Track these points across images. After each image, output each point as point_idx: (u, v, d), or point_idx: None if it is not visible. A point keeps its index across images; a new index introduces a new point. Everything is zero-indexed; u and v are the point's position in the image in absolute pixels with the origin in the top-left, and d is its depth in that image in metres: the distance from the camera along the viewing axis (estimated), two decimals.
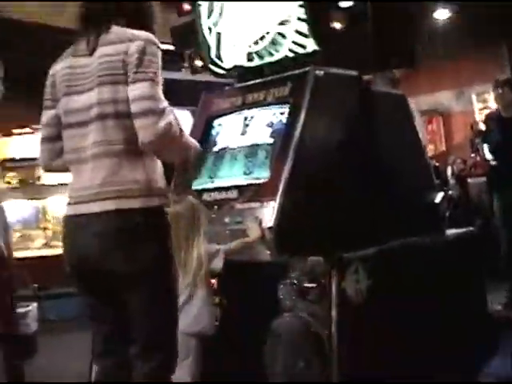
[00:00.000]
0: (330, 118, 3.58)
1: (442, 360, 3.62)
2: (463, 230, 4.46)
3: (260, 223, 3.25)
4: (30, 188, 8.19)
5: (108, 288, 2.50)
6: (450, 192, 7.26)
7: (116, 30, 2.50)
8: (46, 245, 8.01)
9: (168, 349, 2.52)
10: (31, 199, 8.23)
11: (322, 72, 3.55)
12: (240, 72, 4.02)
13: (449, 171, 8.73)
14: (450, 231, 4.36)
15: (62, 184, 8.46)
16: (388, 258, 3.44)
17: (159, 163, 2.55)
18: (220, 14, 3.98)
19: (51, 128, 2.63)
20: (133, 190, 2.41)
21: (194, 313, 3.17)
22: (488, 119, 6.20)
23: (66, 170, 2.64)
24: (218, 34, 4.01)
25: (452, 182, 8.32)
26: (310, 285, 3.18)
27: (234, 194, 3.51)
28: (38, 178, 8.08)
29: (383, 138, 3.81)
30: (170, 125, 2.37)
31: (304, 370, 3.16)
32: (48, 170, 2.78)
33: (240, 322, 3.43)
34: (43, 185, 8.03)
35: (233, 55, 3.98)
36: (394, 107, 4.08)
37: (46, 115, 2.64)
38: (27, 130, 8.08)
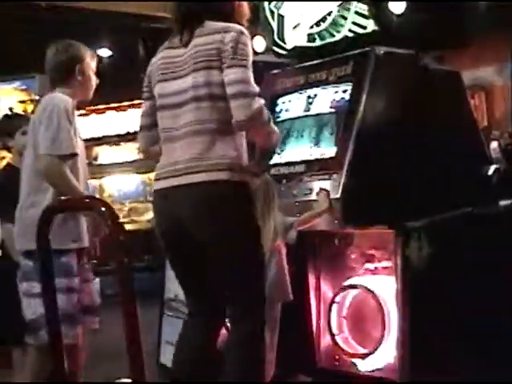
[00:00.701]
0: (391, 95, 3.74)
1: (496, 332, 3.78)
2: None
3: (328, 195, 3.45)
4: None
5: (198, 255, 2.74)
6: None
7: (209, 23, 2.74)
8: None
9: (258, 312, 2.73)
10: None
11: (382, 51, 3.73)
12: (301, 52, 4.20)
13: (494, 145, 8.78)
14: (503, 202, 4.53)
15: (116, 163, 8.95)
16: (448, 227, 3.62)
17: (245, 143, 2.78)
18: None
19: (149, 117, 2.90)
20: (223, 164, 2.64)
21: (270, 281, 3.36)
22: None
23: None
24: (281, 16, 4.20)
25: (498, 155, 8.37)
26: (375, 252, 3.40)
27: (301, 168, 3.71)
28: (95, 159, 8.41)
29: (440, 113, 3.98)
30: (261, 108, 2.62)
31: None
32: (146, 155, 3.04)
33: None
34: (100, 164, 8.37)
35: (294, 36, 4.17)
36: (450, 84, 4.24)
37: (145, 105, 2.92)
38: (81, 111, 8.41)
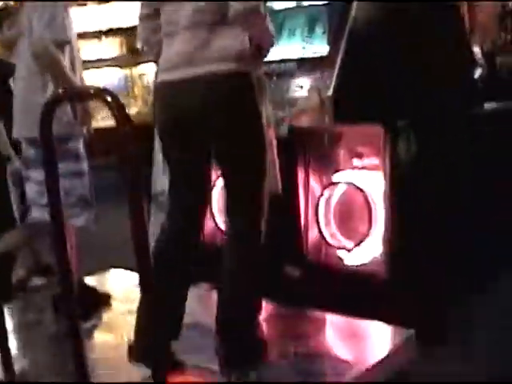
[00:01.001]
0: None
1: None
2: (500, 103, 4.71)
3: (319, 92, 3.50)
4: None
5: (200, 144, 2.77)
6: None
7: None
8: None
9: (258, 205, 2.77)
10: None
11: None
12: None
13: (475, 49, 8.78)
14: (488, 104, 4.63)
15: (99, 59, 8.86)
16: (435, 125, 3.70)
17: (247, 38, 2.77)
18: None
19: (149, 6, 2.87)
20: (230, 54, 2.63)
21: None
22: None
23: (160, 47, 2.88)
24: None
25: (480, 60, 8.40)
26: (364, 149, 3.48)
27: (293, 65, 3.74)
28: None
29: (428, 15, 3.99)
30: (259, 4, 2.61)
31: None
32: (147, 46, 3.02)
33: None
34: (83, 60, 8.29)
35: None
36: None
37: None
38: None
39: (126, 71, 8.65)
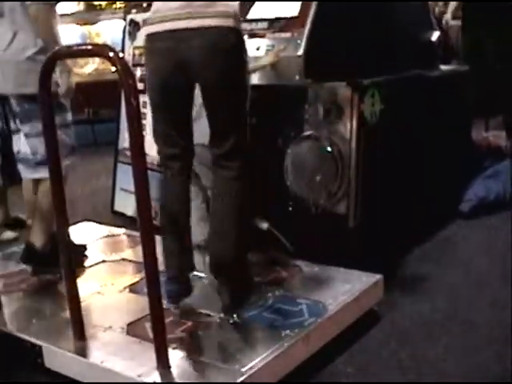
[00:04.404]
0: None
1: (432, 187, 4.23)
2: (455, 67, 4.98)
3: (278, 50, 3.68)
4: None
5: (192, 96, 2.97)
6: None
7: None
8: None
9: (245, 151, 3.01)
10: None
11: None
12: None
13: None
14: (444, 66, 4.89)
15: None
16: (397, 86, 3.91)
17: None
18: None
19: None
20: (228, 12, 2.82)
21: None
22: None
23: None
24: None
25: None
26: (332, 106, 3.67)
27: (263, 25, 3.89)
28: None
29: None
30: None
31: (323, 183, 3.70)
32: None
33: (267, 141, 3.85)
34: None
35: None
36: None
37: None
38: None
39: (84, 29, 8.63)
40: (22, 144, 3.68)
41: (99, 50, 2.34)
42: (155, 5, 2.95)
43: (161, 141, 3.11)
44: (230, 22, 2.82)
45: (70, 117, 3.64)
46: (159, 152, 3.15)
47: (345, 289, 3.16)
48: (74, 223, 4.50)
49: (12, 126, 3.73)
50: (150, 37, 2.93)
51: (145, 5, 4.54)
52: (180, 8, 2.84)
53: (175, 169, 3.08)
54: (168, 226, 3.10)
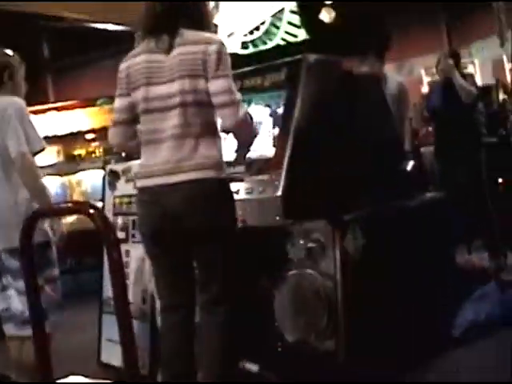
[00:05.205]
0: (321, 99, 4.02)
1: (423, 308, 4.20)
2: (432, 194, 5.06)
3: None
4: None
5: (184, 246, 3.02)
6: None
7: (187, 32, 2.97)
8: None
9: (232, 296, 3.03)
10: None
11: (312, 58, 4.02)
12: (235, 59, 4.44)
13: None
14: (420, 195, 4.96)
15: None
16: (377, 219, 3.96)
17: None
18: (216, 7, 4.42)
19: (126, 113, 3.08)
20: (208, 163, 2.92)
21: None
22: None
23: (137, 150, 3.10)
24: (215, 25, 4.43)
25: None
26: (315, 244, 3.69)
27: (240, 169, 3.95)
28: None
29: (363, 114, 4.31)
30: (246, 114, 2.91)
31: (312, 321, 3.66)
32: (121, 150, 3.24)
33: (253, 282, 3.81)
34: None
35: (229, 44, 4.40)
36: (370, 86, 4.59)
37: (121, 101, 3.10)
38: None
39: (64, 179, 8.78)
40: (12, 301, 3.62)
41: (80, 208, 2.38)
42: (142, 159, 3.05)
43: (160, 289, 3.14)
44: (209, 173, 2.89)
45: (57, 272, 3.63)
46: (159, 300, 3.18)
47: None
48: (61, 377, 4.38)
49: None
50: (138, 190, 3.06)
51: (123, 154, 4.64)
52: (161, 164, 2.93)
53: (176, 320, 3.07)
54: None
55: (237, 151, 3.48)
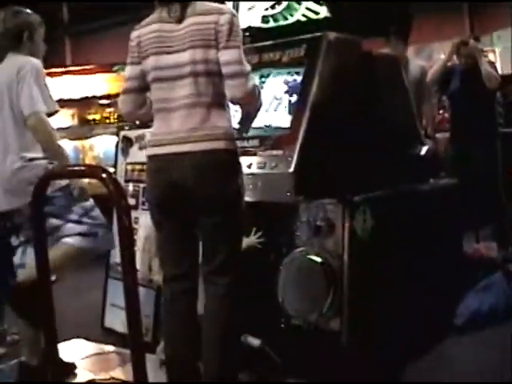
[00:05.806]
0: (340, 77, 3.99)
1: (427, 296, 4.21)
2: (444, 180, 5.05)
3: None
4: None
5: (191, 215, 3.02)
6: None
7: (199, 3, 2.98)
8: None
9: (236, 271, 3.04)
10: None
11: (332, 36, 4.00)
12: (255, 32, 4.42)
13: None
14: (433, 180, 4.94)
15: None
16: (388, 201, 3.95)
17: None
18: None
19: (137, 81, 3.09)
20: (218, 134, 2.92)
21: None
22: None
23: (147, 118, 3.10)
24: None
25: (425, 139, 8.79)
26: (323, 223, 3.68)
27: (255, 143, 3.95)
28: None
29: (381, 96, 4.29)
30: (254, 85, 2.93)
31: (316, 301, 3.67)
32: (131, 118, 3.24)
33: (258, 257, 3.81)
34: None
35: (248, 17, 4.39)
36: (389, 67, 4.56)
37: (132, 69, 3.10)
38: None
39: (76, 142, 8.78)
40: (28, 255, 3.63)
41: (92, 172, 2.37)
42: (153, 127, 3.06)
43: (163, 259, 3.15)
44: (218, 144, 2.90)
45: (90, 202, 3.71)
46: (162, 270, 3.18)
47: None
48: (65, 340, 4.42)
49: (13, 241, 3.69)
50: (148, 158, 3.07)
51: (137, 122, 4.63)
52: (171, 133, 2.94)
53: (178, 290, 3.08)
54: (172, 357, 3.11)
55: (239, 123, 3.44)
